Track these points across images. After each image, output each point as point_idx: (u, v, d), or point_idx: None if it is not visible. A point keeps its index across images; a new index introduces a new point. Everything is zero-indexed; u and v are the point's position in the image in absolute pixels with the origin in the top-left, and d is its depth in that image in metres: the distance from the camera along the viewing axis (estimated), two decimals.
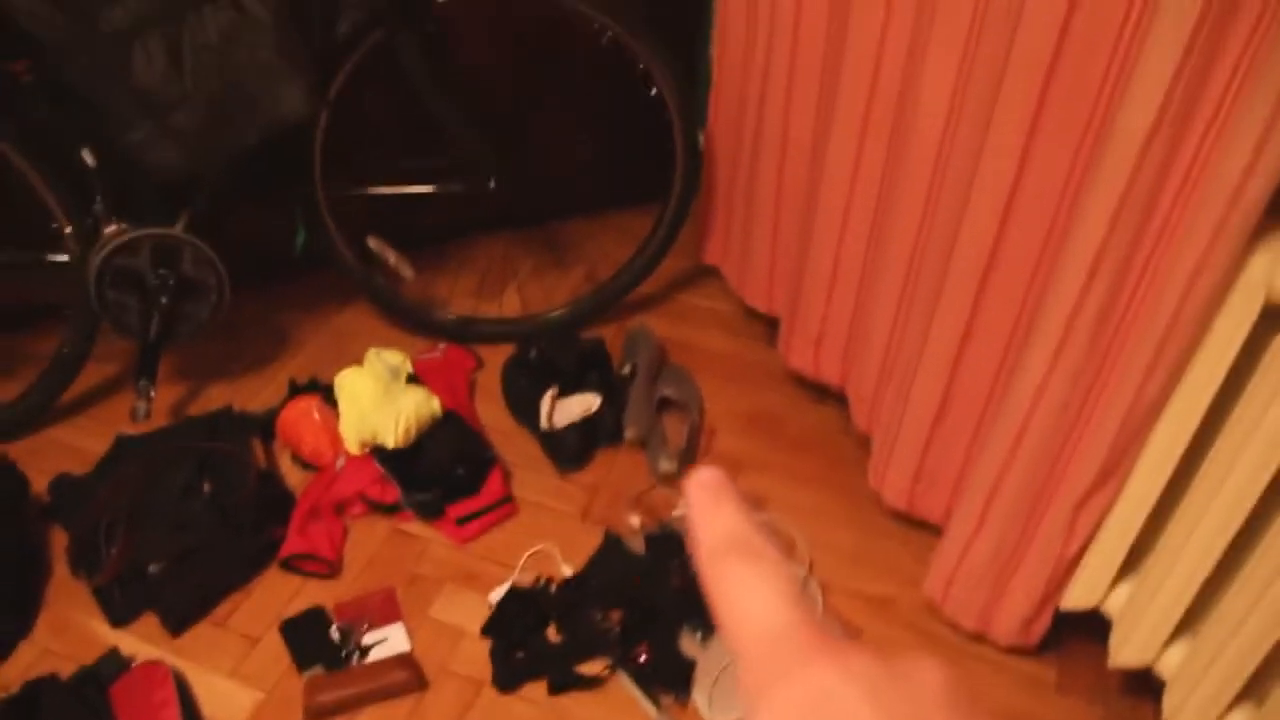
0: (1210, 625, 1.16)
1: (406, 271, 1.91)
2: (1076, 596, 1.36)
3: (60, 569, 1.62)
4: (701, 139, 2.04)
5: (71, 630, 1.54)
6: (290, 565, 1.62)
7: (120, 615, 1.55)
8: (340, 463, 1.72)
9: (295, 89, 1.57)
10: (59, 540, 1.66)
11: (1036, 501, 1.32)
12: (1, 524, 1.59)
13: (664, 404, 1.91)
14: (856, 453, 1.83)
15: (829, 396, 1.92)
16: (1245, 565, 1.09)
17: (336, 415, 1.77)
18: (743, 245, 2.00)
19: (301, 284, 2.20)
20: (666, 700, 1.44)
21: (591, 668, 1.49)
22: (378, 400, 1.73)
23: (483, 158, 1.80)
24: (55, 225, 1.67)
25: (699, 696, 1.43)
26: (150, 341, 1.76)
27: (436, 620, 1.56)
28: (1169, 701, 1.24)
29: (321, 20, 1.58)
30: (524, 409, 1.88)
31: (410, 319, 2.05)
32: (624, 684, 1.46)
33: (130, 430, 1.81)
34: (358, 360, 1.86)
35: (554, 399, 1.82)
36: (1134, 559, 1.30)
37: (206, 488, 1.63)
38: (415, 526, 1.71)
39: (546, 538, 1.68)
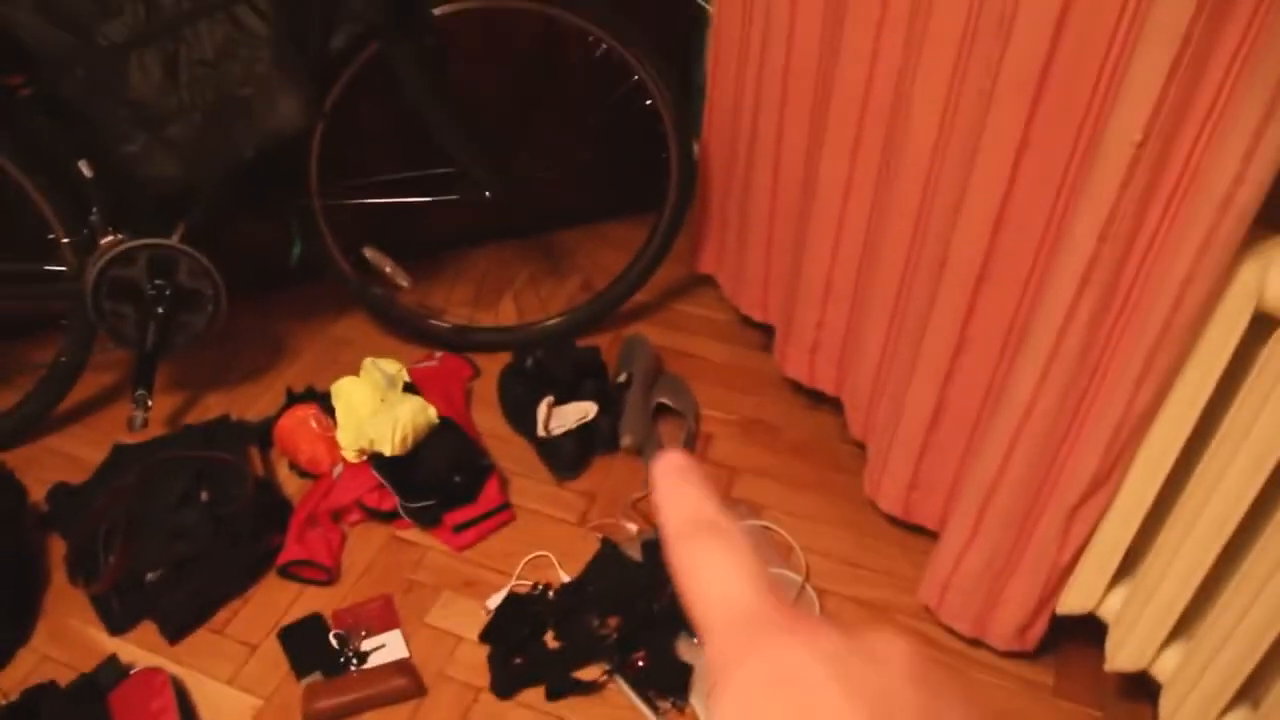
0: (1206, 628, 1.17)
1: (403, 281, 1.91)
2: (1072, 601, 1.37)
3: (58, 577, 1.62)
4: (696, 149, 2.05)
5: (70, 638, 1.55)
6: (288, 573, 1.63)
7: (118, 623, 1.55)
8: (337, 471, 1.73)
9: (292, 101, 1.58)
10: (57, 549, 1.66)
11: (1031, 508, 1.33)
12: (0, 533, 1.59)
13: (660, 411, 1.91)
14: (852, 459, 1.84)
15: (824, 403, 1.93)
16: (1240, 568, 1.10)
17: (334, 424, 1.78)
18: (737, 254, 2.01)
19: (298, 293, 2.20)
20: (664, 705, 1.45)
21: (589, 673, 1.49)
22: (375, 409, 1.74)
23: (479, 168, 1.81)
24: (52, 236, 1.68)
25: (696, 702, 1.44)
26: (147, 351, 1.77)
27: (434, 627, 1.57)
28: (1165, 704, 1.25)
29: (318, 32, 1.59)
30: (520, 417, 1.88)
31: (407, 328, 2.05)
32: (622, 689, 1.47)
33: (127, 439, 1.81)
34: (354, 369, 1.87)
35: (550, 407, 1.83)
36: (1129, 563, 1.31)
37: (204, 496, 1.64)
38: (413, 534, 1.71)
39: (544, 544, 1.68)
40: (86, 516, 1.61)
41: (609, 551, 1.65)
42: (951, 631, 1.54)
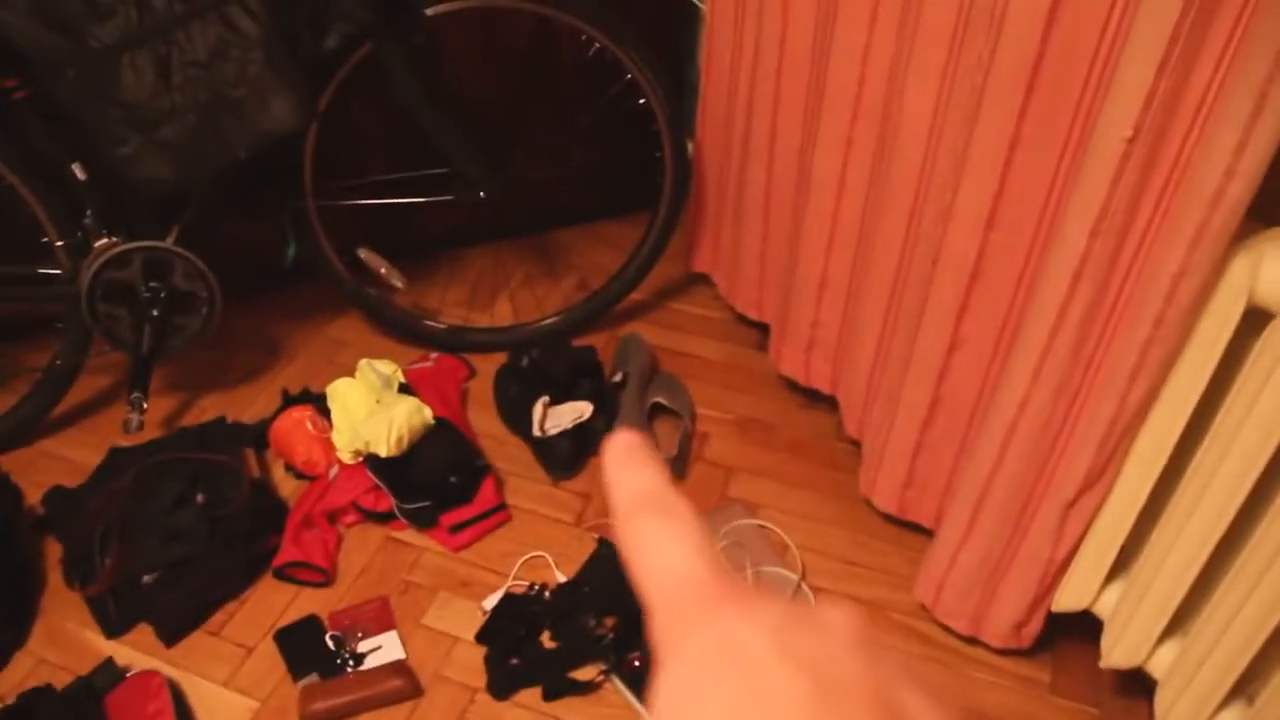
0: (1201, 625, 1.17)
1: (398, 282, 1.91)
2: (1067, 599, 1.37)
3: (55, 580, 1.62)
4: (690, 148, 2.05)
5: (66, 641, 1.55)
6: (284, 574, 1.63)
7: (115, 626, 1.55)
8: (333, 472, 1.73)
9: (285, 101, 1.58)
10: (53, 551, 1.66)
11: (1025, 505, 1.33)
12: None
13: (656, 411, 1.91)
14: (847, 457, 1.84)
15: (820, 401, 1.93)
16: (1234, 564, 1.10)
17: (329, 425, 1.78)
18: (732, 253, 2.01)
19: (293, 295, 2.20)
20: None
21: (585, 674, 1.49)
22: (370, 410, 1.73)
23: (473, 168, 1.81)
24: (46, 239, 1.67)
25: None
26: (142, 354, 1.77)
27: (430, 628, 1.57)
28: (1161, 701, 1.25)
29: (310, 33, 1.59)
30: (516, 417, 1.88)
31: (402, 329, 2.05)
32: (618, 689, 1.47)
33: (123, 442, 1.81)
34: (349, 370, 1.86)
35: (546, 407, 1.83)
36: (1124, 560, 1.31)
37: (200, 498, 1.64)
38: (409, 535, 1.71)
39: (540, 545, 1.68)
40: (82, 519, 1.61)
41: (605, 551, 1.65)
42: (947, 629, 1.54)
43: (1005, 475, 1.32)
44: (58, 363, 1.81)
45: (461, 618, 1.58)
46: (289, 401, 1.88)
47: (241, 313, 2.13)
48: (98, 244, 1.68)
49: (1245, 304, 1.02)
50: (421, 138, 1.77)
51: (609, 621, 1.54)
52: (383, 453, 1.66)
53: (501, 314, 2.17)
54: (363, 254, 1.90)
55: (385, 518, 1.72)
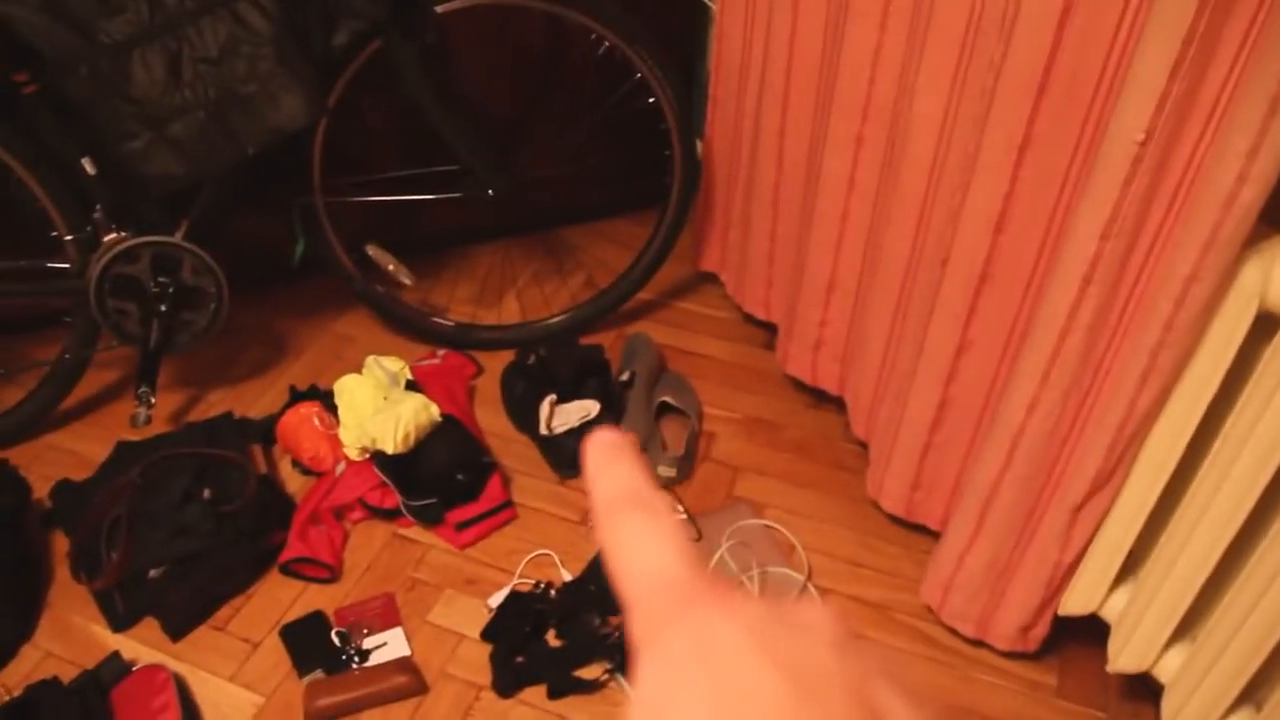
0: (1209, 630, 1.16)
1: (406, 278, 1.91)
2: (1074, 602, 1.37)
3: (62, 573, 1.63)
4: (699, 147, 2.05)
5: (73, 634, 1.55)
6: (290, 570, 1.63)
7: (121, 620, 1.56)
8: (340, 468, 1.73)
9: (295, 98, 1.58)
10: (60, 545, 1.67)
11: (1033, 508, 1.33)
12: (4, 529, 1.59)
13: (663, 410, 1.91)
14: (854, 458, 1.83)
15: (827, 401, 1.93)
16: (1243, 569, 1.10)
17: (336, 421, 1.78)
18: (740, 252, 2.00)
19: (301, 291, 2.20)
20: None
21: (591, 672, 1.49)
22: (377, 406, 1.74)
23: (482, 165, 1.81)
24: (56, 233, 1.68)
25: None
26: (150, 349, 1.77)
27: (436, 625, 1.57)
28: (1168, 705, 1.24)
29: (320, 29, 1.59)
30: (523, 415, 1.88)
31: (409, 326, 2.06)
32: (623, 688, 1.47)
33: (131, 436, 1.81)
34: (357, 367, 1.87)
35: (553, 405, 1.83)
36: (1132, 564, 1.31)
37: (206, 493, 1.64)
38: (415, 532, 1.71)
39: (546, 543, 1.68)
40: (89, 513, 1.61)
41: None
42: (953, 632, 1.54)
43: (1013, 478, 1.32)
44: (66, 357, 1.81)
45: (467, 615, 1.58)
46: (296, 397, 1.89)
47: (249, 308, 2.13)
48: (107, 238, 1.68)
49: (1256, 309, 1.01)
50: (430, 135, 1.77)
51: (614, 620, 1.54)
52: (389, 449, 1.66)
53: (509, 312, 2.17)
54: (371, 251, 1.90)
55: (391, 514, 1.72)
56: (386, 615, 1.57)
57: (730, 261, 2.08)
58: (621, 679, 1.47)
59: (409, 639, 1.54)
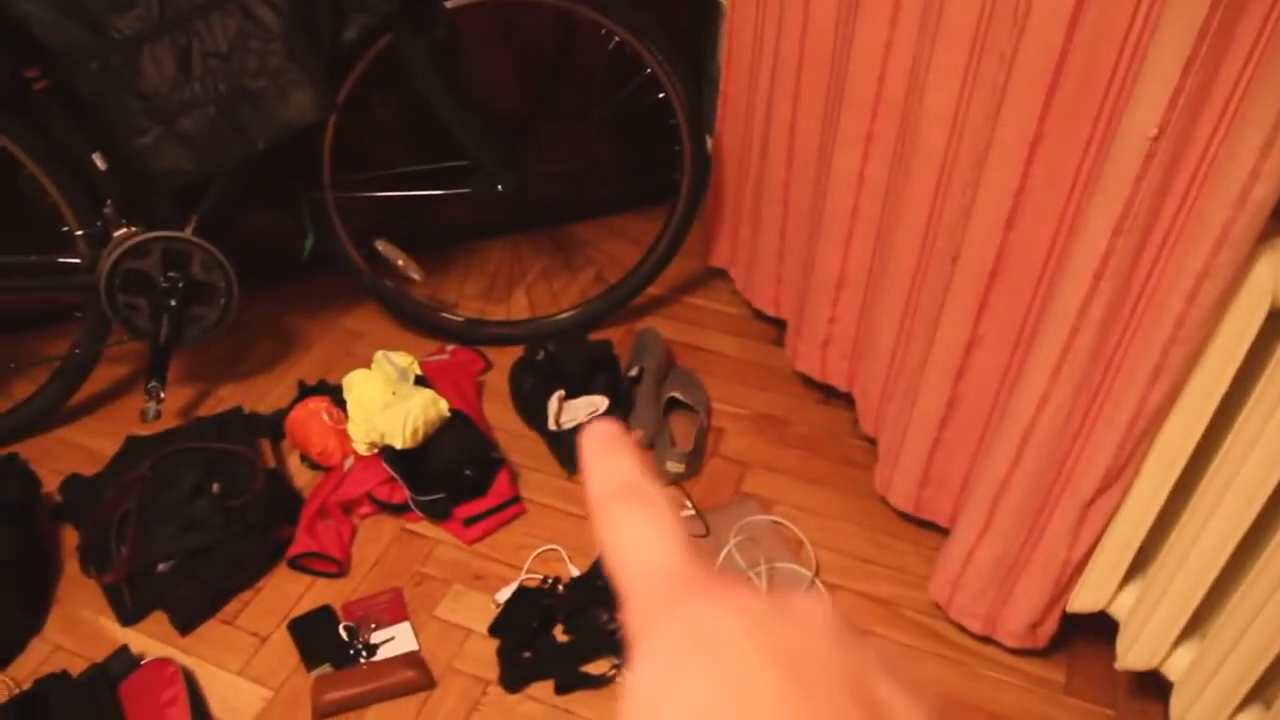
0: (1218, 627, 1.16)
1: (415, 274, 1.91)
2: (1083, 599, 1.36)
3: (71, 567, 1.63)
4: (709, 142, 2.05)
5: (82, 628, 1.56)
6: (298, 564, 1.63)
7: (130, 614, 1.56)
8: (348, 463, 1.73)
9: (305, 93, 1.58)
10: (70, 539, 1.67)
11: (1042, 505, 1.33)
12: (14, 523, 1.60)
13: (671, 405, 1.91)
14: (863, 454, 1.83)
15: (836, 397, 1.92)
16: (1253, 567, 1.09)
17: (345, 416, 1.78)
18: (750, 248, 2.00)
19: (310, 286, 2.21)
20: None
21: (598, 667, 1.49)
22: (386, 401, 1.74)
23: (491, 161, 1.81)
24: (66, 228, 1.68)
25: None
26: (160, 343, 1.77)
27: (444, 620, 1.57)
28: (1176, 703, 1.24)
29: (330, 25, 1.59)
30: (531, 410, 1.88)
31: (418, 321, 2.06)
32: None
33: (140, 431, 1.82)
34: (366, 362, 1.87)
35: (561, 400, 1.83)
36: (1141, 561, 1.30)
37: (215, 488, 1.64)
38: (423, 527, 1.71)
39: (554, 538, 1.68)
40: (99, 507, 1.62)
41: None
42: (962, 628, 1.53)
43: (1022, 474, 1.31)
44: (76, 351, 1.82)
45: (475, 610, 1.58)
46: (305, 392, 1.89)
47: (259, 303, 2.13)
48: (117, 233, 1.69)
49: (1268, 307, 1.01)
50: (440, 130, 1.77)
51: (622, 615, 1.53)
52: (398, 444, 1.67)
53: (518, 307, 2.17)
54: (380, 246, 1.91)
55: (400, 509, 1.72)
56: (394, 610, 1.57)
57: (740, 257, 2.08)
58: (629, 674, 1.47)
59: (416, 633, 1.54)
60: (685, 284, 2.24)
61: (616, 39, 1.76)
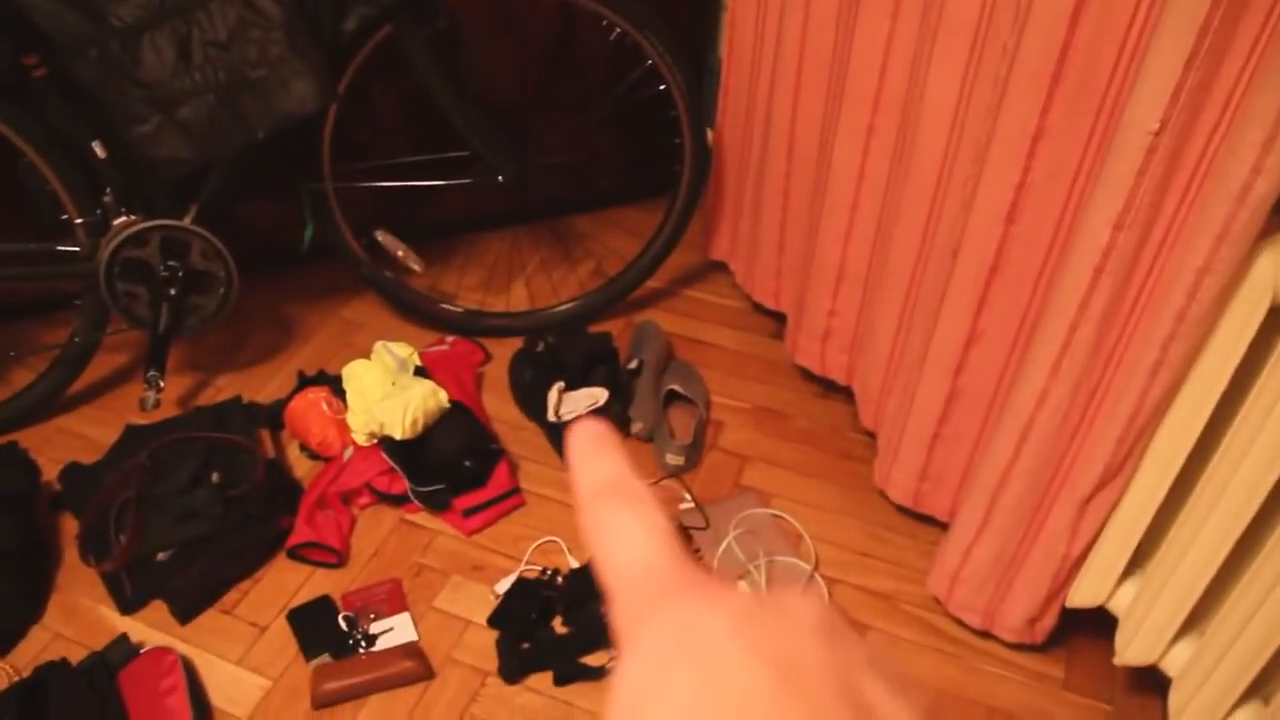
0: (1217, 623, 1.16)
1: (415, 264, 1.91)
2: (1082, 594, 1.36)
3: (70, 556, 1.64)
4: (710, 135, 2.04)
5: (81, 616, 1.56)
6: (298, 554, 1.63)
7: (129, 602, 1.56)
8: (348, 453, 1.73)
9: (305, 83, 1.58)
10: (69, 528, 1.67)
11: (1041, 500, 1.33)
12: (13, 512, 1.60)
13: (671, 398, 1.91)
14: (862, 448, 1.83)
15: (836, 391, 1.92)
16: (1252, 563, 1.09)
17: (344, 406, 1.78)
18: (750, 241, 2.00)
19: (309, 276, 2.20)
20: None
21: (597, 659, 1.49)
22: (386, 392, 1.74)
23: (492, 152, 1.81)
24: (66, 216, 1.68)
25: None
26: (159, 332, 1.77)
27: (443, 611, 1.57)
28: (1175, 699, 1.24)
29: (330, 14, 1.59)
30: (531, 402, 1.88)
31: (418, 312, 2.05)
32: None
33: (140, 420, 1.82)
34: (365, 352, 1.87)
35: (561, 392, 1.83)
36: (1140, 557, 1.30)
37: (215, 477, 1.64)
38: (422, 517, 1.71)
39: (553, 530, 1.68)
40: (98, 496, 1.62)
41: None
42: (960, 623, 1.53)
43: (1022, 469, 1.31)
44: (75, 340, 1.82)
45: (474, 601, 1.58)
46: (305, 382, 1.89)
47: (258, 293, 2.13)
48: (116, 222, 1.69)
49: (1269, 303, 1.01)
50: (440, 121, 1.76)
51: None
52: (397, 435, 1.67)
53: (518, 299, 2.17)
54: (380, 236, 1.90)
55: (399, 500, 1.72)
56: (393, 600, 1.57)
57: (740, 250, 2.07)
58: None
59: (416, 624, 1.55)
60: (685, 277, 2.24)
61: (617, 30, 1.75)
